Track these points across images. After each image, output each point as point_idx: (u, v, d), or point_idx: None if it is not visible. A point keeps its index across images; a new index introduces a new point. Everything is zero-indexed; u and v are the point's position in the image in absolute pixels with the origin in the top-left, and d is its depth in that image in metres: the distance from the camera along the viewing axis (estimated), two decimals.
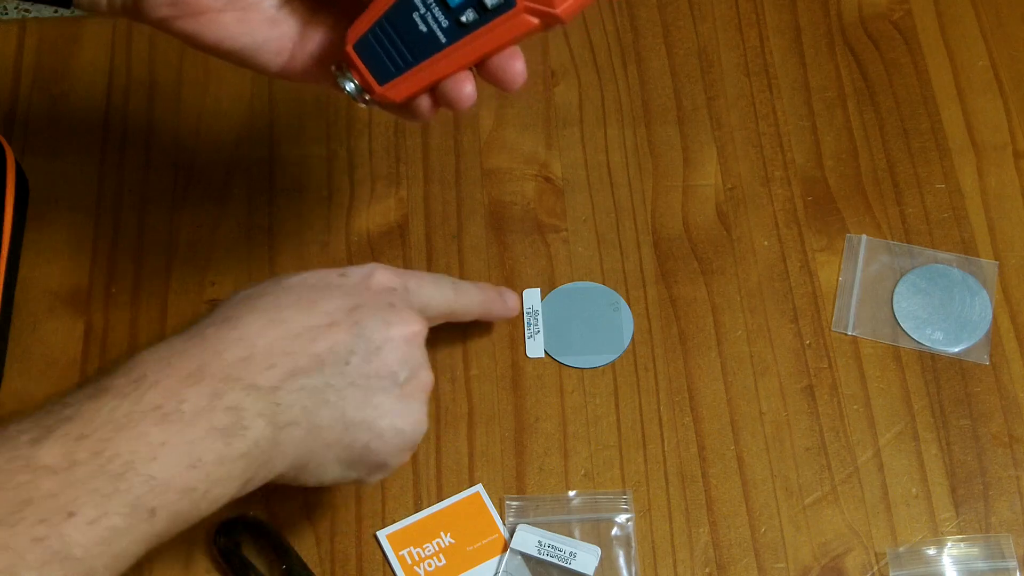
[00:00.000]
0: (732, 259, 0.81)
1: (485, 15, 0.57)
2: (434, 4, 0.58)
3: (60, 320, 0.79)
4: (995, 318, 0.78)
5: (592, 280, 0.80)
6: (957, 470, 0.74)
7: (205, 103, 0.87)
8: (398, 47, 0.59)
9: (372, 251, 0.81)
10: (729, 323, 0.79)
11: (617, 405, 0.76)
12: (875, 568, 0.71)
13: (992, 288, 0.79)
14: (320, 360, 0.60)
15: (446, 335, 0.78)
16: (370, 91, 0.60)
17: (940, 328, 0.78)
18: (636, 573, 0.71)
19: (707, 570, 0.71)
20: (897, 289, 0.79)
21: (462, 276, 0.80)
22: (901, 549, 0.71)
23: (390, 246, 0.81)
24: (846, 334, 0.78)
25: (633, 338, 0.78)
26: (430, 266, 0.81)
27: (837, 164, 0.84)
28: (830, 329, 0.78)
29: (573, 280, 0.80)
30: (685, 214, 0.82)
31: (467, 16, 0.57)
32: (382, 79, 0.59)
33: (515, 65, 0.58)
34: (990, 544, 0.71)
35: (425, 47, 0.58)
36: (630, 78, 0.88)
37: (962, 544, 0.71)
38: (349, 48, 0.59)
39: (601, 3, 0.90)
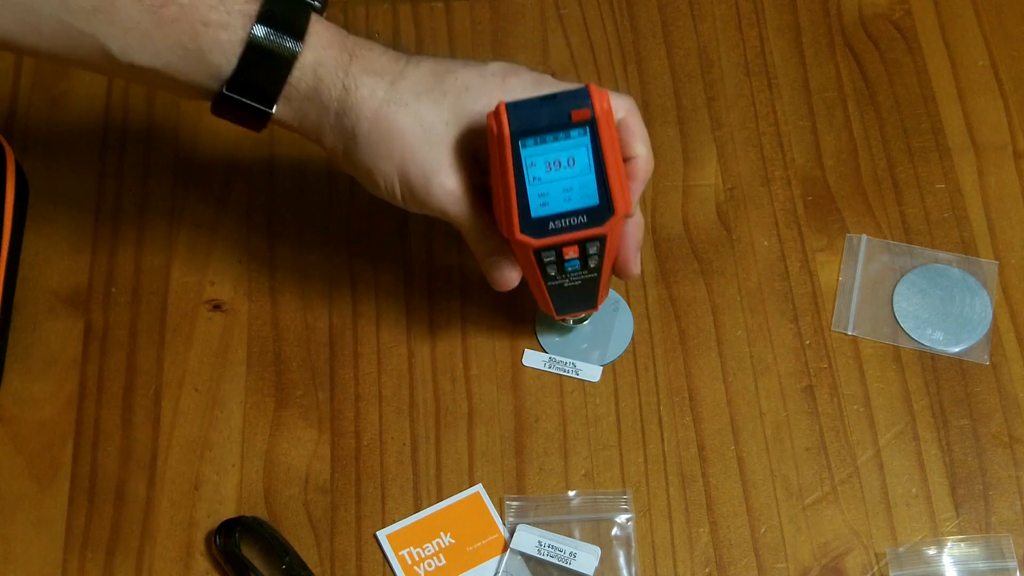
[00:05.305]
0: (732, 259, 0.81)
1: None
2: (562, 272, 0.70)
3: (60, 320, 0.79)
4: (995, 318, 0.78)
5: None
6: (957, 470, 0.74)
7: (205, 103, 0.86)
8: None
9: (372, 251, 0.81)
10: (729, 323, 0.79)
11: (617, 405, 0.76)
12: (875, 568, 0.71)
13: (992, 288, 0.79)
14: None
15: (446, 334, 0.78)
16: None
17: (940, 328, 0.78)
18: (636, 573, 0.71)
19: (707, 570, 0.71)
20: (897, 289, 0.79)
21: (462, 278, 0.80)
22: (901, 549, 0.71)
23: (391, 246, 0.81)
24: (846, 334, 0.78)
25: (633, 338, 0.78)
26: (430, 269, 0.81)
27: (837, 164, 0.84)
28: (830, 329, 0.78)
29: None
30: (685, 214, 0.82)
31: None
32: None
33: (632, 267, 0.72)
34: (990, 544, 0.71)
35: None
36: (630, 78, 0.87)
37: (962, 544, 0.71)
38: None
39: (601, 4, 0.90)
